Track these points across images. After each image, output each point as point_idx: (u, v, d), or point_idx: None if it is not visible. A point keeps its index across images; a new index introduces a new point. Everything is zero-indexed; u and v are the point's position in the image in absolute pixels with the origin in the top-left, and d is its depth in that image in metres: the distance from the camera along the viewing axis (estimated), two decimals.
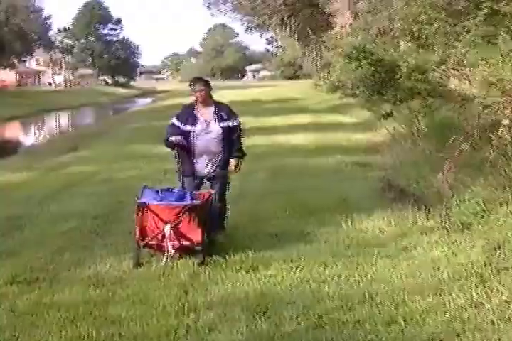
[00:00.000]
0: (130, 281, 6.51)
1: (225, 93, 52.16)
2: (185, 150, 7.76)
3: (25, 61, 75.18)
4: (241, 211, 9.20)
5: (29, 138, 30.88)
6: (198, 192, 7.69)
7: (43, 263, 7.07)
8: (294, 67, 78.80)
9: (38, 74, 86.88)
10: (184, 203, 7.06)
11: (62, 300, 6.02)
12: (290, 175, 12.56)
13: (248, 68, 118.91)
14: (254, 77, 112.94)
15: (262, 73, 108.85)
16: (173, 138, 7.66)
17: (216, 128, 7.81)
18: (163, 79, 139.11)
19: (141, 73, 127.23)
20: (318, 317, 5.60)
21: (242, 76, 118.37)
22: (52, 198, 10.82)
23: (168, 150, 7.96)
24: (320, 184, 11.40)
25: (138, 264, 6.97)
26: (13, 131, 35.61)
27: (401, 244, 7.69)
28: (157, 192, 7.37)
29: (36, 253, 7.42)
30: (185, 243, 7.05)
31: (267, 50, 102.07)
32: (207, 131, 7.80)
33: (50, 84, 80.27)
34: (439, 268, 6.74)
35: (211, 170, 7.89)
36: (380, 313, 5.66)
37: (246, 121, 24.84)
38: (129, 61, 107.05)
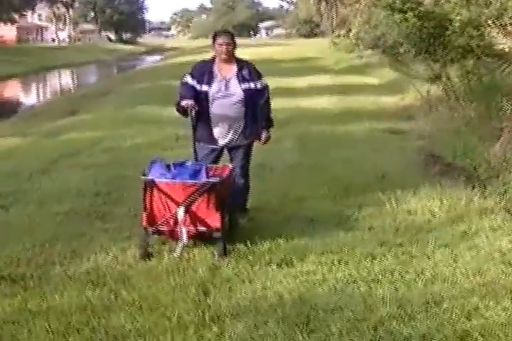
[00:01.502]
0: (137, 279, 5.30)
1: (238, 51, 50.51)
2: (202, 114, 6.49)
3: (25, 15, 71.97)
4: (266, 189, 7.97)
5: (25, 99, 29.21)
6: (215, 166, 6.47)
7: (30, 256, 5.82)
8: (310, 25, 76.30)
9: (40, 29, 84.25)
10: (201, 181, 5.82)
11: (53, 305, 4.80)
12: (318, 144, 11.26)
13: (261, 25, 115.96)
14: (267, 34, 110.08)
15: (276, 31, 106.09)
16: (183, 103, 6.37)
17: (237, 90, 6.52)
18: (172, 36, 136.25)
19: (149, 30, 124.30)
20: (373, 329, 4.41)
21: (255, 33, 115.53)
22: (45, 171, 9.49)
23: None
24: (353, 155, 10.14)
25: (145, 255, 5.75)
26: (8, 91, 33.82)
27: (458, 229, 6.48)
28: (168, 166, 6.14)
29: (23, 243, 6.15)
30: (202, 229, 5.83)
31: (281, 7, 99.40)
32: (225, 93, 6.50)
33: (53, 40, 77.92)
34: (510, 263, 5.54)
35: (233, 139, 6.65)
36: (449, 324, 4.47)
37: None
38: (135, 16, 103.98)
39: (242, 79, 6.52)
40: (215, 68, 6.56)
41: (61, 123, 14.97)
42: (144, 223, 5.79)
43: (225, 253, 5.74)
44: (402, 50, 13.08)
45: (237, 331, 4.41)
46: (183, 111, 6.43)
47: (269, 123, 6.77)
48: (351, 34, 29.61)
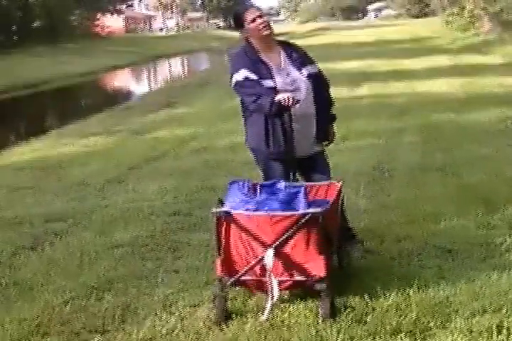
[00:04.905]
0: None
1: (349, 34, 48.67)
2: (269, 119, 4.81)
3: (132, 5, 72.27)
4: (385, 202, 6.28)
5: (126, 90, 28.30)
6: (317, 185, 4.80)
7: (67, 316, 4.25)
8: (420, 5, 73.92)
9: (148, 19, 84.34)
10: (299, 211, 4.14)
11: None
12: (444, 138, 9.39)
13: (370, 7, 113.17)
14: (376, 16, 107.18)
15: (385, 12, 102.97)
16: (281, 97, 4.60)
17: (301, 78, 4.84)
18: (281, 21, 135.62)
19: None
20: None
21: (364, 16, 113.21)
22: (120, 181, 7.99)
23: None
24: (489, 153, 8.27)
25: (222, 318, 4.12)
26: (111, 82, 33.07)
27: None
28: (254, 188, 4.48)
29: (64, 291, 4.63)
30: (300, 278, 4.15)
31: None
32: (292, 85, 4.79)
33: (161, 29, 78.06)
34: None
35: (310, 145, 4.94)
36: None
37: (377, 64, 21.82)
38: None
39: (298, 64, 4.88)
40: (262, 56, 4.86)
41: (152, 118, 13.62)
42: (219, 271, 4.18)
43: (332, 313, 4.06)
44: None
45: None
46: (280, 110, 4.72)
47: (332, 117, 5.15)
48: (466, 11, 27.66)
